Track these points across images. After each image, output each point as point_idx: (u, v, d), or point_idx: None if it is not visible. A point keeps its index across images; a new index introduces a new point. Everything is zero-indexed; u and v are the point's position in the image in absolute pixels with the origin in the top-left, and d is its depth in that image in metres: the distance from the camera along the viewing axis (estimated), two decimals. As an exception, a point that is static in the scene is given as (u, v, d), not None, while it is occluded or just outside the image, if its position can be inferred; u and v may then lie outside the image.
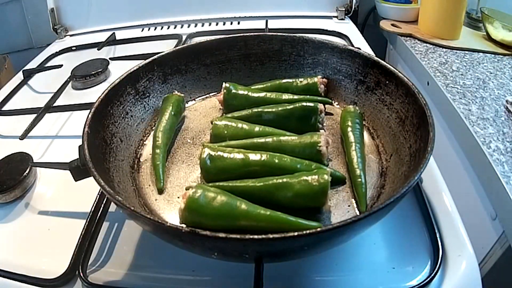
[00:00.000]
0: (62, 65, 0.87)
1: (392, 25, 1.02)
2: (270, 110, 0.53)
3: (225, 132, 0.50)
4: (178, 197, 0.45)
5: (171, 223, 0.33)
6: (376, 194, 0.45)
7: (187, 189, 0.40)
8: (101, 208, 0.48)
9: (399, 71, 0.50)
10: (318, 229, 0.32)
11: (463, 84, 0.76)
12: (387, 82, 0.52)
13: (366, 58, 0.55)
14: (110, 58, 0.85)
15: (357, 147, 0.48)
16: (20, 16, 1.19)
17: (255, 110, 0.53)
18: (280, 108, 0.52)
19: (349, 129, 0.50)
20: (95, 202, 0.48)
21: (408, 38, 0.97)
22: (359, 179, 0.44)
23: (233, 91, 0.56)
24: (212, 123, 0.51)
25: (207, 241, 0.33)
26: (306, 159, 0.45)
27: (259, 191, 0.41)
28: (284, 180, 0.41)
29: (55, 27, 1.04)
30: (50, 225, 0.49)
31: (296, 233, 0.31)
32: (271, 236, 0.31)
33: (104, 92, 0.49)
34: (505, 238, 0.57)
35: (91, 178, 0.38)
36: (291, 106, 0.52)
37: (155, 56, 0.57)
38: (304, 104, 0.52)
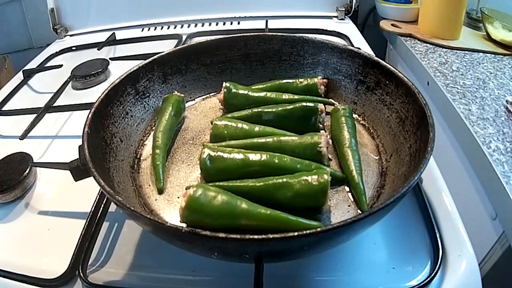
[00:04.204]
0: (62, 65, 0.87)
1: (392, 25, 1.02)
2: (270, 110, 0.53)
3: (225, 132, 0.50)
4: (178, 197, 0.45)
5: (171, 223, 0.33)
6: (376, 194, 0.44)
7: (187, 188, 0.40)
8: (101, 208, 0.48)
9: (399, 71, 0.50)
10: (318, 229, 0.31)
11: (463, 84, 0.76)
12: (387, 82, 0.52)
13: (366, 58, 0.55)
14: (110, 58, 0.85)
15: (350, 147, 0.48)
16: (20, 16, 1.19)
17: (255, 110, 0.53)
18: (280, 108, 0.52)
19: (339, 129, 0.50)
20: (95, 202, 0.48)
21: (408, 38, 0.97)
22: (355, 179, 0.44)
23: (233, 90, 0.56)
24: (212, 123, 0.51)
25: (207, 241, 0.33)
26: (307, 159, 0.45)
27: (259, 191, 0.41)
28: (284, 180, 0.41)
29: (55, 27, 1.04)
30: (50, 225, 0.49)
31: (296, 233, 0.31)
32: (271, 236, 0.31)
33: (104, 92, 0.49)
34: (505, 238, 0.57)
35: (91, 178, 0.38)
36: (291, 106, 0.52)
37: (155, 56, 0.57)
38: (304, 104, 0.52)
